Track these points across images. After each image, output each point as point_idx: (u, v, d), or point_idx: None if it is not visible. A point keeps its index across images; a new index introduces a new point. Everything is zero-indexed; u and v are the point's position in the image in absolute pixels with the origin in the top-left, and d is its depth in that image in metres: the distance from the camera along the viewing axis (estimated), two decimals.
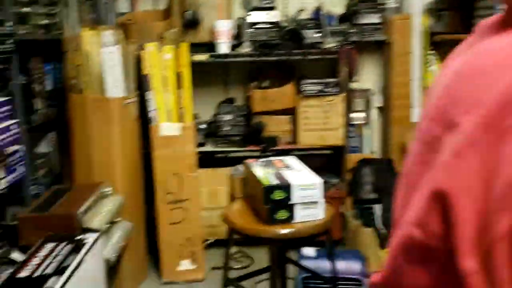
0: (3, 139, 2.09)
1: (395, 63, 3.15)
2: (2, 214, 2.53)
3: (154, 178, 2.70)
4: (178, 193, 2.70)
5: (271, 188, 1.93)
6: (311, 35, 3.01)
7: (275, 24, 2.99)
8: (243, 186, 2.27)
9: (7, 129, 2.13)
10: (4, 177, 2.24)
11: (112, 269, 2.47)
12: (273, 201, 1.93)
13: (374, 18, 3.14)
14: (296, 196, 1.93)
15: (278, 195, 1.92)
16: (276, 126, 3.13)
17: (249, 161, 2.23)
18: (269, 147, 3.03)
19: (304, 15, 3.22)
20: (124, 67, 2.60)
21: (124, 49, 2.61)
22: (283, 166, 2.17)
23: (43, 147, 3.05)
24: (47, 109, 2.86)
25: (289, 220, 1.94)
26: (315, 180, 1.98)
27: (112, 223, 2.35)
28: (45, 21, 2.89)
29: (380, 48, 3.31)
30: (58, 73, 3.12)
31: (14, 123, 2.20)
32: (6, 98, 2.27)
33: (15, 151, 2.36)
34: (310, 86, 3.02)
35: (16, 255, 2.35)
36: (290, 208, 1.94)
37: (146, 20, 3.08)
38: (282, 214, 1.93)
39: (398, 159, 3.10)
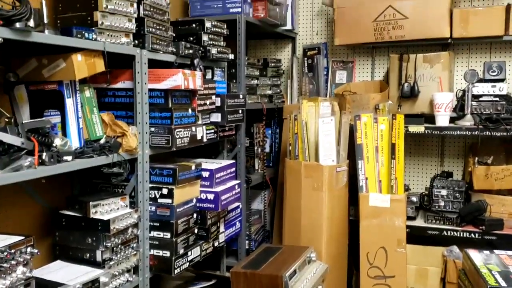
0: (228, 197, 2.32)
1: None
2: (218, 265, 2.78)
3: (360, 249, 2.64)
4: (384, 268, 2.58)
5: None
6: None
7: (503, 96, 2.77)
8: (460, 276, 2.04)
9: (232, 188, 2.36)
10: (223, 231, 2.47)
11: None
12: None
13: None
14: None
15: None
16: (501, 207, 2.79)
17: (470, 250, 2.02)
18: (491, 230, 2.71)
19: None
20: (338, 136, 2.67)
21: (340, 119, 2.69)
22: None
23: (257, 205, 3.29)
24: (264, 170, 3.09)
25: None
26: None
27: None
28: (270, 92, 3.20)
29: None
30: (276, 137, 3.39)
31: (238, 183, 2.43)
32: (233, 161, 2.53)
33: (235, 208, 2.60)
34: None
35: None
36: None
37: (363, 91, 3.14)
38: None
39: None
